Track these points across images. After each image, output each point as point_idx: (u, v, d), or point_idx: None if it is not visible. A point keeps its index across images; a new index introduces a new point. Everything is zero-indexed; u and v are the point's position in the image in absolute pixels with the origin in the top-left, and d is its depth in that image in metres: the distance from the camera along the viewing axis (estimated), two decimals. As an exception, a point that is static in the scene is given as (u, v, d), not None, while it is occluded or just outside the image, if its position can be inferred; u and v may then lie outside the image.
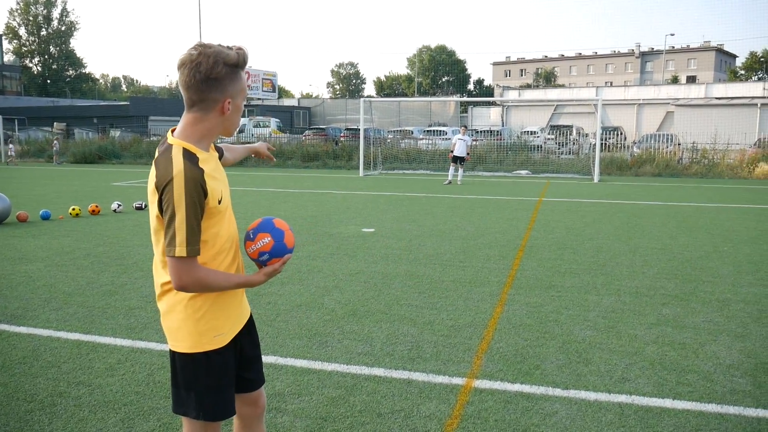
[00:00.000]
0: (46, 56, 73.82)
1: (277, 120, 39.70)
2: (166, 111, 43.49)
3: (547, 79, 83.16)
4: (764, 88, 38.97)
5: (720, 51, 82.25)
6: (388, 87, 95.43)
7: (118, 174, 22.09)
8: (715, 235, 9.09)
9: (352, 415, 3.37)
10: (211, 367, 2.06)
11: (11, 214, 10.30)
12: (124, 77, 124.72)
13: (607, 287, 6.03)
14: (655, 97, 41.29)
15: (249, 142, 28.66)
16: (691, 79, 73.99)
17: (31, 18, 72.03)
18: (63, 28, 73.98)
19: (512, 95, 48.37)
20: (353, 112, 44.55)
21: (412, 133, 33.29)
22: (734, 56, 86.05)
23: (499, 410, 3.42)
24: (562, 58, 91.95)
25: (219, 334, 2.07)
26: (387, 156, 25.15)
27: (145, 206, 11.70)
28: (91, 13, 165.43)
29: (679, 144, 24.31)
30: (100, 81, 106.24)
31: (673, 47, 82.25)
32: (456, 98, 53.97)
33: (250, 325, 2.28)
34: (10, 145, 28.86)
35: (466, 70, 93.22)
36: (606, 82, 77.78)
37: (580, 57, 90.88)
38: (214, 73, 1.91)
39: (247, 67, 2.05)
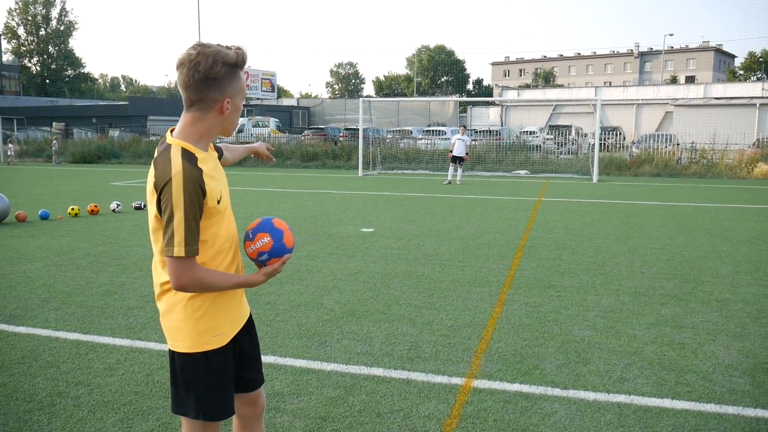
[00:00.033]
0: (45, 56, 73.81)
1: (276, 120, 39.70)
2: (165, 111, 43.47)
3: (546, 79, 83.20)
4: (763, 89, 38.99)
5: (719, 51, 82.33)
6: (387, 87, 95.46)
7: (116, 174, 22.08)
8: (713, 235, 9.10)
9: (351, 414, 3.37)
10: (211, 367, 2.06)
11: (10, 213, 10.29)
12: (123, 77, 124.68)
13: (606, 287, 6.04)
14: (654, 97, 41.32)
15: (248, 142, 28.66)
16: (690, 79, 74.04)
17: (29, 18, 72.01)
18: (62, 28, 73.97)
19: (511, 95, 48.39)
20: (352, 112, 44.54)
21: (411, 133, 33.30)
22: (733, 56, 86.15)
23: (498, 410, 3.43)
24: (561, 58, 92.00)
25: (218, 334, 2.07)
26: (386, 156, 25.16)
27: (144, 206, 11.69)
28: (90, 13, 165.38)
29: (677, 144, 24.34)
30: (99, 81, 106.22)
31: (672, 47, 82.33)
32: (455, 98, 53.97)
33: (250, 325, 2.28)
34: (10, 145, 28.84)
35: (465, 70, 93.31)
36: (605, 82, 77.81)
37: (579, 57, 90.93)
38: (213, 73, 1.91)
39: (246, 66, 2.05)
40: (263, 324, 4.82)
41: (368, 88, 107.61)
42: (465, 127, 19.38)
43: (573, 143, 27.18)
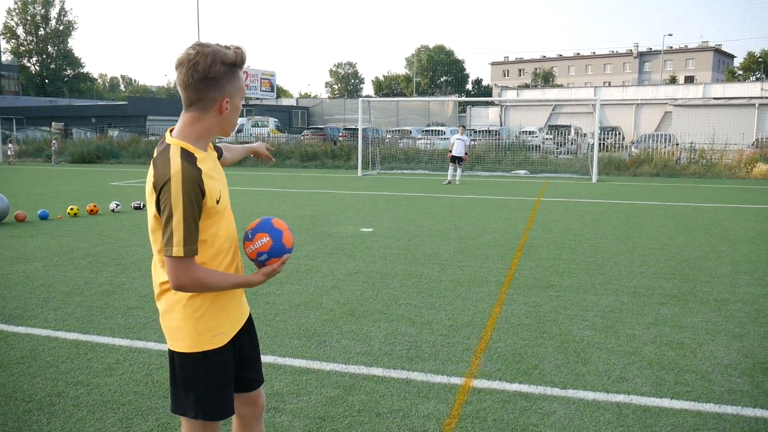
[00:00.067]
0: (44, 56, 73.76)
1: (276, 120, 39.68)
2: (164, 111, 43.44)
3: (546, 79, 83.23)
4: (762, 89, 39.03)
5: (718, 51, 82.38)
6: (387, 87, 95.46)
7: (116, 174, 22.07)
8: (713, 235, 9.11)
9: (350, 414, 3.37)
10: (210, 367, 2.06)
11: (9, 213, 10.29)
12: (123, 77, 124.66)
13: (606, 287, 6.04)
14: (653, 97, 41.35)
15: (248, 142, 28.65)
16: (689, 80, 74.09)
17: (29, 17, 71.95)
18: (61, 28, 73.92)
19: (510, 95, 48.41)
20: (351, 111, 44.54)
21: (411, 132, 33.31)
22: (732, 56, 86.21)
23: (497, 410, 3.43)
24: (561, 58, 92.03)
25: (218, 334, 2.07)
26: (385, 156, 25.16)
27: (144, 206, 11.69)
28: (89, 13, 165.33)
29: (677, 144, 24.35)
30: (98, 81, 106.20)
31: (671, 47, 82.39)
32: (454, 98, 53.99)
33: (249, 324, 2.28)
34: (10, 145, 28.82)
35: (464, 70, 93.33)
36: (604, 82, 77.85)
37: (578, 57, 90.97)
38: (211, 73, 1.91)
39: (245, 66, 2.05)
40: (262, 324, 4.82)
41: (367, 88, 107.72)
42: (464, 127, 19.38)
43: (572, 143, 27.18)
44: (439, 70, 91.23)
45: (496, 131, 29.89)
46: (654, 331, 4.75)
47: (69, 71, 76.39)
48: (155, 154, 1.97)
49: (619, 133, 28.66)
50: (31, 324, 4.86)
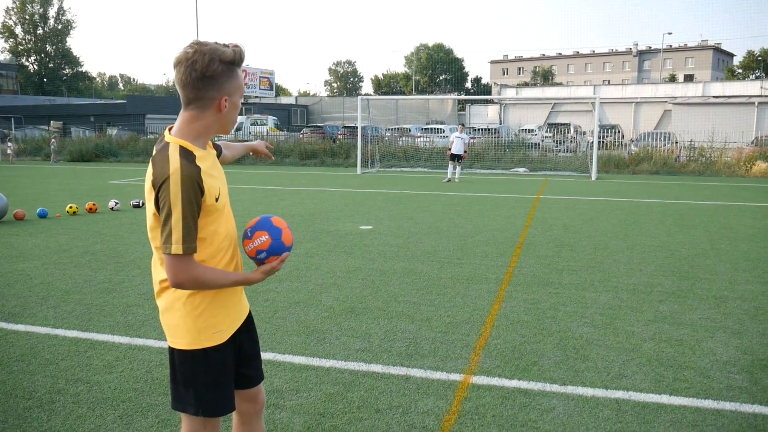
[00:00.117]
0: (43, 55, 73.63)
1: (275, 118, 39.66)
2: (163, 109, 43.41)
3: (545, 78, 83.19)
4: (761, 87, 39.06)
5: (717, 50, 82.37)
6: (386, 85, 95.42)
7: (115, 172, 22.06)
8: (712, 232, 9.12)
9: (350, 411, 3.38)
10: (210, 364, 2.06)
11: (8, 212, 10.29)
12: (121, 76, 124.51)
13: (605, 284, 6.05)
14: (652, 95, 41.37)
15: (247, 140, 28.63)
16: (689, 78, 74.05)
17: (27, 16, 71.79)
18: (59, 27, 73.77)
19: (510, 93, 48.41)
20: (351, 110, 44.56)
21: (410, 131, 33.30)
22: (732, 55, 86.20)
23: (496, 406, 3.43)
24: (560, 56, 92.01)
25: (218, 331, 2.07)
26: (384, 154, 25.16)
27: (143, 204, 11.69)
28: (88, 12, 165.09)
29: (676, 142, 24.36)
30: (97, 79, 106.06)
31: (671, 46, 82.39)
32: (454, 96, 53.98)
33: (249, 322, 2.28)
34: (9, 144, 28.80)
35: (463, 68, 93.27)
36: (603, 81, 77.83)
37: (577, 55, 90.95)
38: (210, 71, 1.91)
39: (244, 65, 2.05)
40: (262, 321, 4.83)
41: (367, 86, 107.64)
42: (463, 125, 19.37)
43: (571, 141, 27.20)
44: (438, 69, 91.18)
45: (495, 129, 29.91)
46: (653, 328, 4.76)
47: (67, 70, 76.27)
48: (154, 152, 1.98)
49: (619, 131, 28.68)
50: (30, 322, 4.87)
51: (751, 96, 35.75)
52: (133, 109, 42.74)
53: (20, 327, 4.75)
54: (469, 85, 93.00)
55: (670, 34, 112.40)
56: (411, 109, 48.87)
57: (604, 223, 9.92)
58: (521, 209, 11.73)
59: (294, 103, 57.44)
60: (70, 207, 10.78)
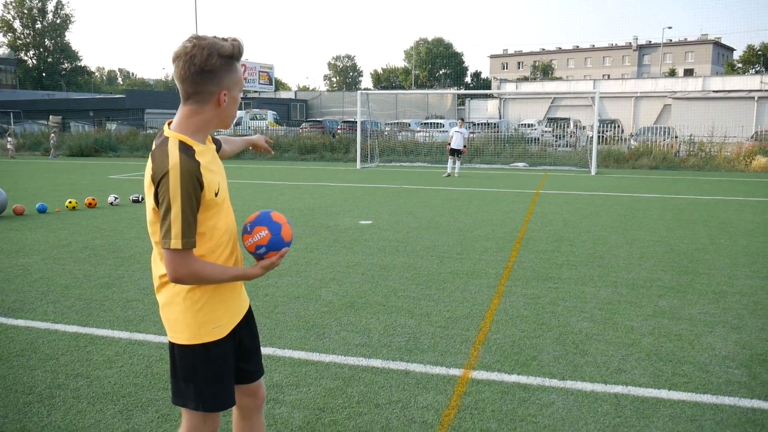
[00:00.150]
0: (41, 49, 73.46)
1: (274, 112, 39.62)
2: (162, 104, 43.36)
3: (545, 72, 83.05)
4: (761, 81, 38.99)
5: (717, 44, 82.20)
6: (386, 79, 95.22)
7: (114, 167, 22.04)
8: (711, 227, 9.12)
9: (349, 405, 3.38)
10: (210, 359, 2.06)
11: (8, 207, 10.28)
12: (120, 70, 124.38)
13: (604, 279, 6.05)
14: (652, 89, 41.30)
15: (246, 135, 28.60)
16: (689, 72, 73.99)
17: (25, 11, 71.61)
18: (58, 21, 73.61)
19: (509, 88, 48.33)
20: (350, 104, 44.48)
21: (410, 125, 33.29)
22: (732, 49, 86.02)
23: (496, 401, 3.44)
24: (560, 50, 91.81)
25: (218, 326, 2.07)
26: (384, 148, 25.14)
27: (142, 199, 11.69)
28: (86, 6, 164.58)
29: (676, 137, 24.35)
30: (96, 74, 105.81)
31: (671, 40, 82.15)
32: (453, 91, 53.90)
33: (249, 316, 2.28)
34: (9, 139, 28.75)
35: (463, 62, 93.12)
36: (603, 75, 77.72)
37: (577, 50, 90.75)
38: (208, 65, 1.91)
39: (243, 59, 2.05)
40: (262, 316, 4.83)
41: (366, 81, 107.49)
42: (463, 119, 19.35)
43: (571, 136, 27.19)
44: (437, 63, 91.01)
45: (495, 124, 29.88)
46: (652, 322, 4.76)
47: (66, 64, 76.13)
48: (154, 147, 1.97)
49: (618, 126, 28.66)
50: (30, 317, 4.87)
51: (750, 90, 35.71)
52: (132, 103, 42.69)
53: (20, 322, 4.76)
54: (468, 79, 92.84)
55: (670, 28, 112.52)
56: (410, 104, 48.81)
57: (603, 218, 9.92)
58: (521, 204, 11.73)
59: (293, 97, 57.38)
60: (70, 202, 10.77)
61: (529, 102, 42.54)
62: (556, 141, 26.53)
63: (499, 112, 42.52)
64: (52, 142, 28.96)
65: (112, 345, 4.28)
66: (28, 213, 10.30)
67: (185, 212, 1.86)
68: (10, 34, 72.09)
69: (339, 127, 32.57)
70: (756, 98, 33.43)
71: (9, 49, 71.34)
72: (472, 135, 24.81)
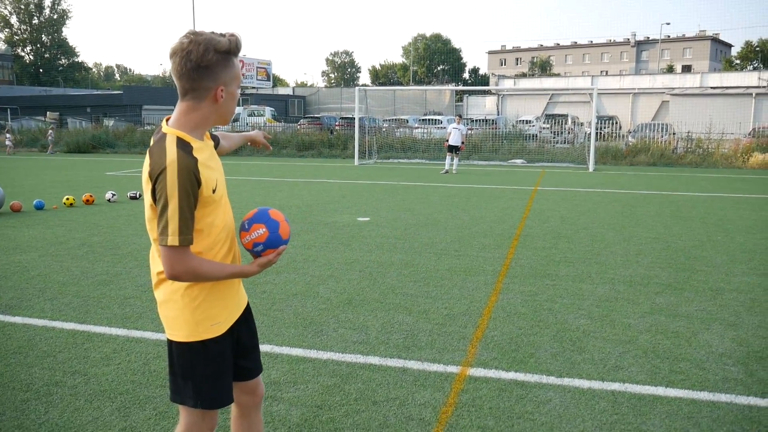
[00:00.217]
0: (38, 45, 73.17)
1: (272, 109, 39.57)
2: (159, 100, 43.28)
3: (543, 68, 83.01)
4: (759, 78, 39.01)
5: (715, 40, 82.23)
6: (384, 76, 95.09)
7: (112, 163, 22.00)
8: (709, 224, 9.14)
9: (347, 403, 3.38)
10: (209, 356, 2.06)
11: (5, 204, 10.26)
12: (118, 66, 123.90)
13: (602, 276, 6.06)
14: (650, 86, 41.31)
15: (244, 131, 28.55)
16: (687, 69, 74.01)
17: (22, 6, 71.29)
18: (55, 17, 73.27)
19: (508, 84, 48.31)
20: (348, 101, 44.45)
21: (408, 122, 33.26)
22: (730, 46, 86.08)
23: (493, 398, 3.45)
24: (558, 47, 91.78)
25: (216, 323, 2.07)
26: (382, 145, 25.12)
27: (140, 196, 11.67)
28: (84, 1, 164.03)
29: (674, 133, 24.36)
30: (93, 70, 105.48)
31: (669, 36, 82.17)
32: (451, 87, 53.87)
33: (248, 314, 2.28)
34: (8, 135, 28.68)
35: (461, 58, 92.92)
36: (601, 71, 77.74)
37: (575, 46, 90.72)
38: (204, 61, 1.90)
39: (241, 55, 2.04)
40: (259, 313, 4.83)
41: (364, 77, 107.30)
42: (461, 116, 19.33)
43: (569, 132, 27.17)
44: (436, 59, 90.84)
45: (493, 120, 29.84)
46: (649, 320, 4.77)
47: (63, 60, 75.83)
48: (152, 143, 1.97)
49: (616, 123, 28.66)
50: (27, 314, 4.87)
51: (748, 87, 35.73)
52: (129, 99, 42.60)
53: (17, 319, 4.75)
54: (466, 75, 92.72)
55: (668, 24, 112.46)
56: (408, 100, 48.78)
57: (601, 215, 9.93)
58: (519, 201, 11.73)
59: (291, 93, 57.30)
60: (67, 198, 10.75)
61: (527, 98, 42.54)
62: (554, 138, 26.53)
63: (497, 109, 42.51)
64: (49, 138, 28.90)
65: (109, 342, 4.28)
66: (25, 210, 10.28)
67: (182, 209, 1.86)
68: (6, 30, 71.80)
69: (337, 123, 32.52)
70: (754, 95, 33.46)
71: (6, 45, 71.08)
72: (470, 131, 24.80)
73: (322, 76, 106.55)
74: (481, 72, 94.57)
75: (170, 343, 2.09)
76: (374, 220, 9.29)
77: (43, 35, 72.96)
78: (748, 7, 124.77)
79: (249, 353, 2.27)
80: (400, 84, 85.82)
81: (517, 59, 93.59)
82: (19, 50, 72.37)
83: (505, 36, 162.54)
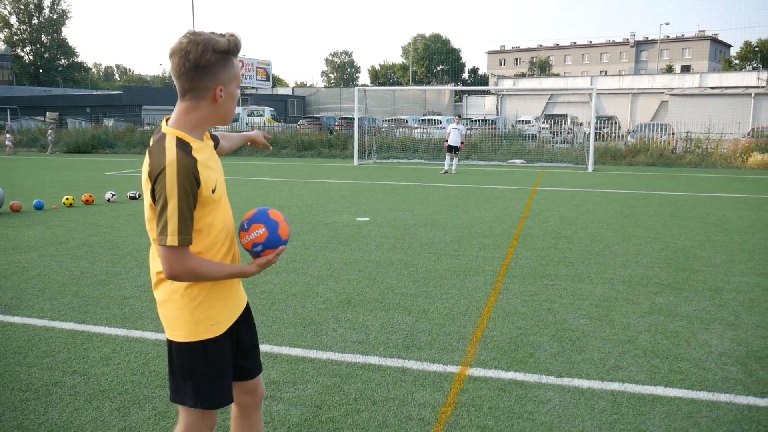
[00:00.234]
0: (38, 45, 73.12)
1: (271, 109, 39.59)
2: (159, 100, 43.28)
3: (542, 68, 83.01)
4: (758, 78, 39.03)
5: (715, 40, 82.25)
6: (383, 76, 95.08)
7: (111, 163, 21.99)
8: (708, 224, 9.14)
9: (346, 403, 3.39)
10: (208, 356, 2.06)
11: (4, 204, 10.25)
12: (117, 66, 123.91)
13: (601, 276, 6.06)
14: (649, 86, 41.31)
15: (244, 131, 28.54)
16: (686, 69, 74.02)
17: (22, 6, 71.24)
18: (55, 17, 73.22)
19: (507, 84, 48.30)
20: (347, 101, 44.43)
21: (407, 122, 33.27)
22: (729, 46, 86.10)
23: (493, 398, 3.45)
24: (557, 47, 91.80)
25: (215, 323, 2.07)
26: (381, 145, 25.12)
27: (140, 196, 11.67)
28: (83, 1, 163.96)
29: (673, 133, 24.37)
30: (93, 70, 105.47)
31: (668, 36, 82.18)
32: (451, 87, 53.89)
33: (247, 314, 2.29)
34: (8, 135, 28.67)
35: (460, 59, 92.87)
36: (601, 72, 77.74)
37: (574, 46, 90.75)
38: (203, 61, 1.90)
39: (240, 55, 2.03)
40: (259, 313, 4.83)
41: (363, 77, 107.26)
42: (460, 116, 19.35)
43: (568, 132, 27.17)
44: (435, 59, 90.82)
45: (492, 120, 29.83)
46: (649, 319, 4.77)
47: (63, 60, 75.78)
48: (151, 143, 1.97)
49: (616, 123, 28.67)
50: (27, 314, 4.87)
51: (747, 87, 35.75)
52: (129, 100, 42.60)
53: (17, 319, 4.75)
54: (466, 75, 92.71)
55: (667, 24, 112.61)
56: (408, 100, 48.78)
57: (600, 215, 9.94)
58: (518, 201, 11.74)
59: (291, 94, 57.29)
60: (67, 198, 10.75)
61: (527, 98, 42.53)
62: (553, 138, 26.53)
63: (497, 109, 42.50)
64: (49, 138, 28.88)
65: (109, 342, 4.28)
66: (24, 210, 10.27)
67: (182, 209, 1.86)
68: (6, 30, 71.74)
69: (336, 123, 32.53)
70: (753, 95, 33.47)
71: (5, 45, 71.03)
72: (469, 131, 24.81)
73: (322, 77, 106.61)
74: (480, 72, 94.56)
75: (170, 343, 2.09)
76: (374, 220, 9.29)
77: (42, 35, 72.91)
78: (748, 7, 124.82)
79: (249, 353, 2.27)
80: (400, 84, 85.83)
81: (516, 59, 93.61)
82: (18, 50, 72.33)
83: (505, 36, 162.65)
